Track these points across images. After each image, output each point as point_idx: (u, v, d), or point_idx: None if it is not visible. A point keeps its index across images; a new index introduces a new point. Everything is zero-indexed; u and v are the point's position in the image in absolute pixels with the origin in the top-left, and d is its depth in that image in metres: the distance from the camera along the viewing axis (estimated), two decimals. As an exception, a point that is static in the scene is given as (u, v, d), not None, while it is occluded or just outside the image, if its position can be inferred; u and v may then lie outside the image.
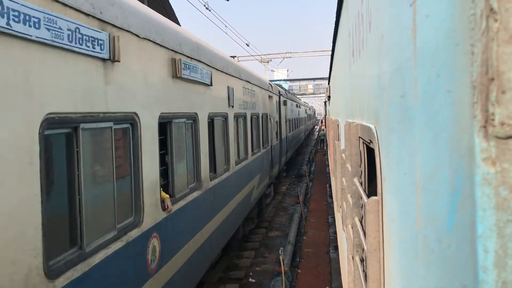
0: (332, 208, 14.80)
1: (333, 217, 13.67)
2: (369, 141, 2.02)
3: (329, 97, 12.80)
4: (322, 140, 41.37)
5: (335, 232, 11.55)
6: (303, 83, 73.15)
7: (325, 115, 27.02)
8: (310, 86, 71.94)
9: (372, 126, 1.89)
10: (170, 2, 8.27)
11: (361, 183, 2.52)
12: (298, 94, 58.04)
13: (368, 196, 2.06)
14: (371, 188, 2.36)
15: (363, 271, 2.24)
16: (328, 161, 24.06)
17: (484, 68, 0.64)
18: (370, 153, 2.23)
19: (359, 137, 2.46)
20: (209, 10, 21.24)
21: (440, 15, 0.83)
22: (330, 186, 17.97)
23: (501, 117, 0.63)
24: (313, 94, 71.25)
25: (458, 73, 0.73)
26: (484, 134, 0.64)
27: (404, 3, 1.16)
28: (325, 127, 29.36)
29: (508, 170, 0.63)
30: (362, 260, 2.37)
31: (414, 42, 1.06)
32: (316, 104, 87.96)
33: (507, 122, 0.62)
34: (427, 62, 0.94)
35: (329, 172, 20.13)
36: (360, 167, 2.61)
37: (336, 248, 10.89)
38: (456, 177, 0.74)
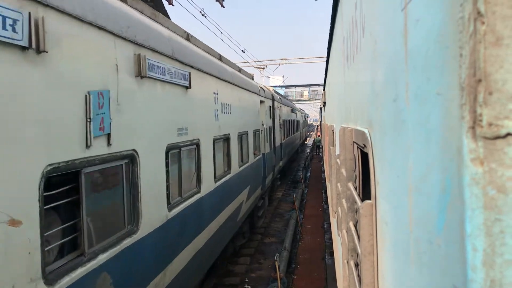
0: (328, 214, 14.79)
1: (329, 223, 13.66)
2: (363, 146, 2.04)
3: (324, 103, 12.85)
4: (318, 146, 41.54)
5: (330, 238, 11.54)
6: (298, 89, 73.11)
7: (321, 121, 26.99)
8: (306, 92, 71.93)
9: (366, 131, 1.90)
10: (165, 8, 8.29)
11: (355, 188, 2.53)
12: (294, 100, 58.05)
13: (362, 200, 2.07)
14: (365, 192, 2.37)
15: (358, 275, 2.24)
16: (324, 167, 24.09)
17: (472, 70, 0.65)
18: (364, 157, 2.24)
19: (354, 141, 2.47)
20: (205, 17, 21.32)
21: (430, 19, 0.84)
22: (325, 192, 17.97)
23: (489, 118, 0.64)
24: (309, 100, 71.24)
25: (448, 75, 0.74)
26: (472, 135, 0.65)
27: (396, 8, 1.18)
28: (321, 134, 29.36)
29: (496, 170, 0.64)
30: (356, 265, 2.37)
31: (406, 46, 1.07)
32: (312, 110, 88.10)
33: (495, 122, 0.63)
34: (418, 66, 0.95)
35: (324, 178, 20.13)
36: (354, 171, 2.61)
37: (331, 254, 10.88)
38: (446, 178, 0.75)
